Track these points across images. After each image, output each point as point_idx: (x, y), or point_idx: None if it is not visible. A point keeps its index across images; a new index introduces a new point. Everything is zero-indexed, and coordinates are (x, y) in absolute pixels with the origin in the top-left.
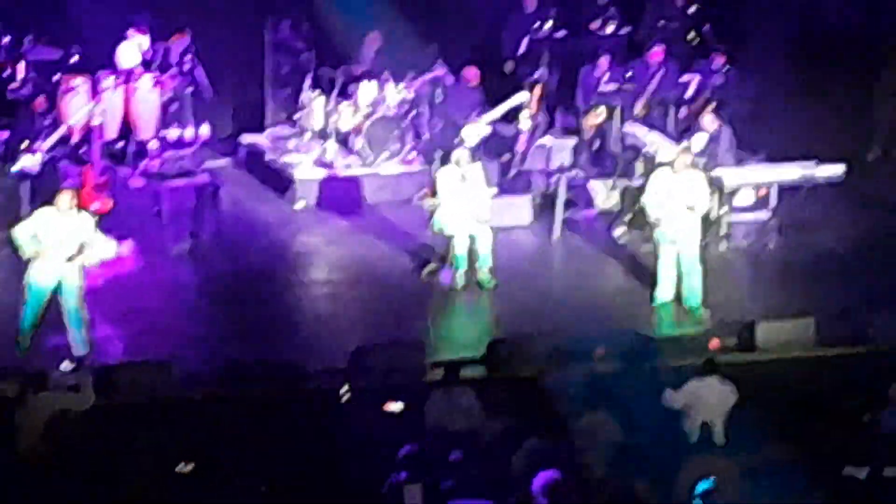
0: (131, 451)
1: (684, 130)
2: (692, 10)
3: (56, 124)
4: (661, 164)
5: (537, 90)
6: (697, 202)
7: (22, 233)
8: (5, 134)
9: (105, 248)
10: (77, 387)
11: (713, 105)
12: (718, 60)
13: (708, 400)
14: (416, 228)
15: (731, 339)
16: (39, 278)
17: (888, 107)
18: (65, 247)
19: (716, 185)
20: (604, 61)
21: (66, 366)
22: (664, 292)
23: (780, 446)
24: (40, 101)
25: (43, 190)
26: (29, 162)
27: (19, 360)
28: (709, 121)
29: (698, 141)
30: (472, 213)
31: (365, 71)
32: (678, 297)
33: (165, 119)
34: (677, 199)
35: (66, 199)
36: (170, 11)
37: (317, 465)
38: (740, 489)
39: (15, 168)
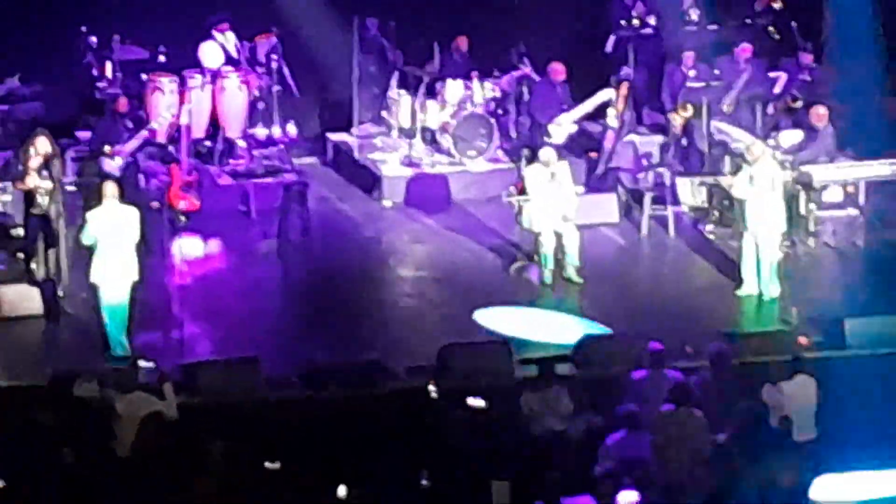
0: (216, 449)
1: (773, 127)
2: (778, 5)
3: (139, 126)
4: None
5: (623, 87)
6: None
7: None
8: (87, 134)
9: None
10: (161, 392)
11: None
12: (806, 58)
13: (794, 397)
14: (504, 226)
15: (820, 336)
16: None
17: None
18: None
19: (804, 181)
20: (689, 57)
21: (144, 363)
22: (748, 286)
23: (869, 442)
24: (122, 103)
25: (128, 190)
26: (110, 165)
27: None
28: (818, 115)
29: (787, 137)
30: (559, 211)
31: (451, 70)
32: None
33: (253, 118)
34: (755, 187)
35: (111, 188)
36: (256, 10)
37: (403, 465)
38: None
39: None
